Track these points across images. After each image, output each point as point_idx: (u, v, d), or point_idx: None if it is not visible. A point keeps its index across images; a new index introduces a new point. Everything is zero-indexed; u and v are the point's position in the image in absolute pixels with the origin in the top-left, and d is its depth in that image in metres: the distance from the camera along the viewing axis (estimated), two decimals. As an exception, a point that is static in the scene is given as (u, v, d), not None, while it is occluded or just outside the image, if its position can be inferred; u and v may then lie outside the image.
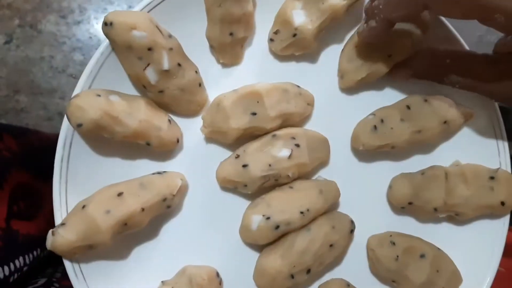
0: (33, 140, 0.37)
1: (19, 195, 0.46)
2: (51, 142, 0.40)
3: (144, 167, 0.40)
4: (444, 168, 0.42)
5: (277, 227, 0.39)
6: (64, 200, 0.38)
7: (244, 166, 0.39)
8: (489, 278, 0.42)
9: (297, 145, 0.40)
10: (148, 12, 0.39)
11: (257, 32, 0.42)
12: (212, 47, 0.41)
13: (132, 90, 0.40)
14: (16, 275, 0.43)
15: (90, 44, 0.61)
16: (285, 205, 0.39)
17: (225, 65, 0.42)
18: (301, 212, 0.39)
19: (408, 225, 0.43)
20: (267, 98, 0.39)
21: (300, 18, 0.40)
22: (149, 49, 0.37)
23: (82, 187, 0.38)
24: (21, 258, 0.44)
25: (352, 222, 0.41)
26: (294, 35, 0.40)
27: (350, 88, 0.42)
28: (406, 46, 0.40)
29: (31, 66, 0.61)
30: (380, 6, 0.36)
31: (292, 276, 0.39)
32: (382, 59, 0.41)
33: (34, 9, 0.61)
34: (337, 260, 0.42)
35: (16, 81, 0.61)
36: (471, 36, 0.59)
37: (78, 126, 0.36)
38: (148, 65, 0.38)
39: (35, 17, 0.61)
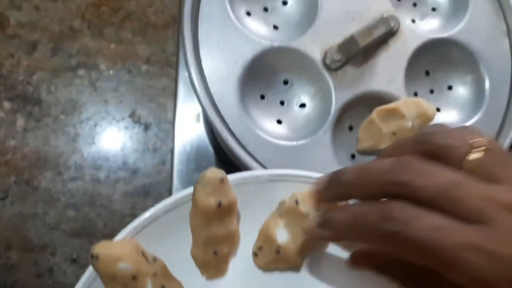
0: None
1: None
2: None
3: None
4: None
5: None
6: None
7: None
8: None
9: None
10: (135, 235, 0.40)
11: (242, 243, 0.43)
12: (196, 264, 0.42)
13: (117, 310, 0.40)
14: None
15: (84, 201, 0.62)
16: None
17: (209, 277, 0.43)
18: None
19: None
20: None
21: (283, 236, 0.41)
22: (133, 277, 0.38)
23: None
24: None
25: None
26: (278, 252, 0.41)
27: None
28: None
29: (25, 222, 0.62)
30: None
31: None
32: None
33: (31, 166, 0.62)
34: None
35: (9, 237, 0.61)
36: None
37: None
38: (132, 291, 0.38)
39: (32, 174, 0.62)
